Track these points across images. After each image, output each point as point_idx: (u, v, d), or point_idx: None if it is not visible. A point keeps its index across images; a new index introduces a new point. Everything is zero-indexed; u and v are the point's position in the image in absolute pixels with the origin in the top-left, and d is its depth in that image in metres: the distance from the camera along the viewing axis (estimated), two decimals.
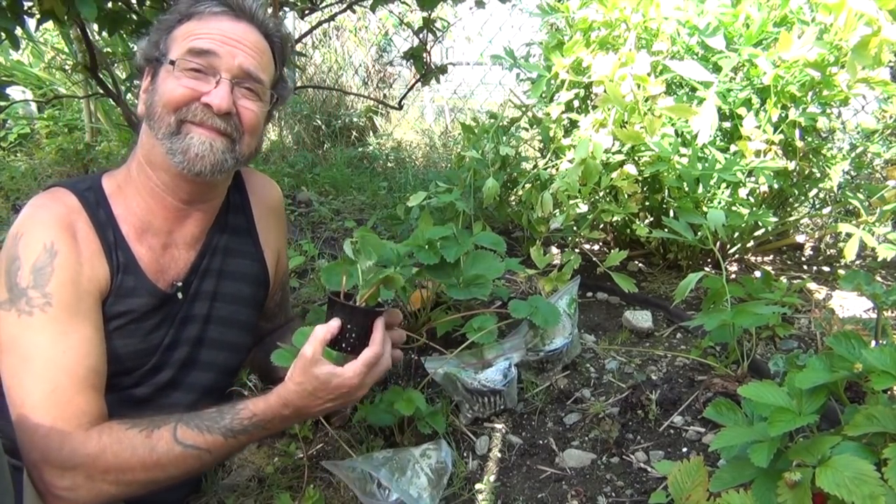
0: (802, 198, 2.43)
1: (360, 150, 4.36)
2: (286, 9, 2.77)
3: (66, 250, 1.13)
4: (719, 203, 1.98)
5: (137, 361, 1.20)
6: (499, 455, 1.51)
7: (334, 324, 1.14)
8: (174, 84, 1.14)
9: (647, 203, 2.25)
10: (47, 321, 1.08)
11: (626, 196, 2.06)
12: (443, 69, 3.03)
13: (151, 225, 1.24)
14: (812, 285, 2.28)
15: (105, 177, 1.26)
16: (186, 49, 1.14)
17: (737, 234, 2.32)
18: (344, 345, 1.16)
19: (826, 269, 2.48)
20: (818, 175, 2.26)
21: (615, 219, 2.23)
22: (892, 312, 1.94)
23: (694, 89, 2.06)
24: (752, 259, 2.54)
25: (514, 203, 2.44)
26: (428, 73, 2.95)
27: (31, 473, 1.05)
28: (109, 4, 2.11)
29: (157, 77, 1.18)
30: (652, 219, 2.37)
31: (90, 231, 1.17)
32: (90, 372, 1.10)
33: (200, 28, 1.16)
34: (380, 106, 4.67)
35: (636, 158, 2.06)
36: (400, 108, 3.55)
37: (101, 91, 2.69)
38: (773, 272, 2.29)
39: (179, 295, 1.27)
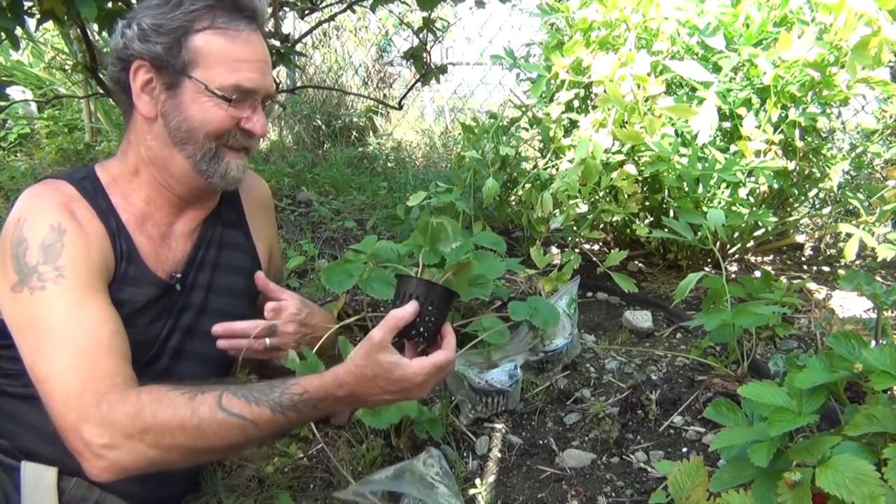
0: (802, 198, 2.43)
1: (360, 150, 4.36)
2: (286, 9, 2.77)
3: (74, 229, 1.12)
4: (719, 203, 1.98)
5: (137, 353, 1.16)
6: (499, 455, 1.51)
7: (410, 308, 1.06)
8: (220, 114, 1.16)
9: (647, 203, 2.25)
10: (61, 292, 1.06)
11: (626, 196, 2.06)
12: (443, 69, 3.03)
13: (152, 216, 1.24)
14: (812, 285, 2.28)
15: (98, 168, 1.25)
16: (234, 84, 1.15)
17: (737, 234, 2.32)
18: (420, 330, 1.05)
19: (826, 269, 2.48)
20: (818, 175, 2.26)
21: (615, 219, 2.23)
22: (892, 312, 1.94)
23: (694, 89, 2.06)
24: (752, 259, 2.54)
25: (514, 203, 2.44)
26: (428, 73, 2.95)
27: (69, 439, 1.01)
28: (109, 4, 2.10)
29: (177, 89, 1.16)
30: (652, 219, 2.37)
31: (92, 217, 1.16)
32: (114, 335, 1.08)
33: (238, 52, 1.16)
34: (380, 106, 4.67)
35: (636, 158, 2.06)
36: (400, 108, 3.55)
37: (101, 91, 2.69)
38: (773, 272, 2.29)
39: (178, 286, 1.27)
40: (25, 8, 2.00)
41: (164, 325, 1.25)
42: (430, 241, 1.27)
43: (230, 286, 1.34)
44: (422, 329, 1.05)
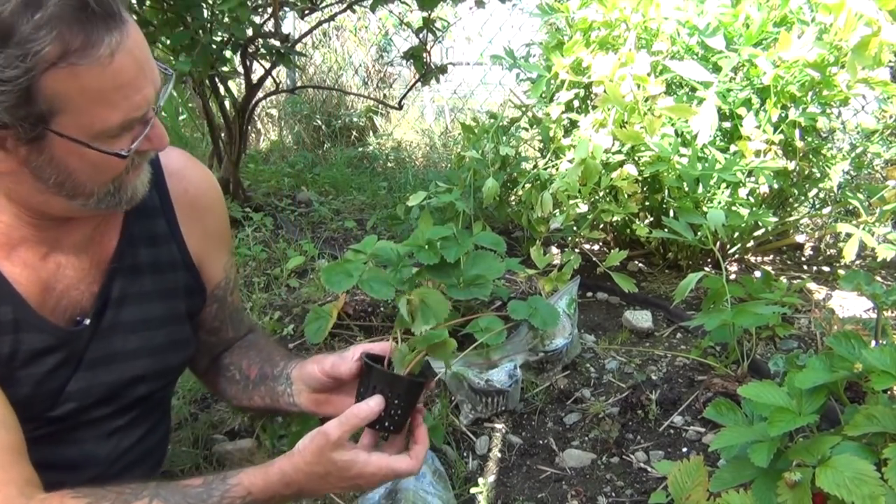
0: (802, 198, 2.43)
1: (360, 150, 4.36)
2: (286, 9, 2.77)
3: None
4: (719, 203, 1.98)
5: (30, 412, 0.92)
6: (499, 455, 1.51)
7: (374, 405, 0.94)
8: (113, 162, 0.84)
9: (647, 203, 2.25)
10: None
11: (626, 196, 2.06)
12: (443, 69, 3.03)
13: (24, 239, 0.91)
14: (812, 285, 2.28)
15: None
16: (121, 122, 0.81)
17: (737, 234, 2.32)
18: (385, 424, 0.96)
19: (826, 269, 2.48)
20: (818, 175, 2.26)
21: (615, 219, 2.23)
22: (892, 312, 1.94)
23: (694, 89, 2.06)
24: (752, 259, 2.54)
25: (514, 203, 2.44)
26: (428, 73, 2.95)
27: None
28: None
29: (42, 143, 0.79)
30: (652, 219, 2.37)
31: None
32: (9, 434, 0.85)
33: (113, 78, 0.78)
34: (380, 106, 4.67)
35: (636, 158, 2.06)
36: (400, 108, 3.55)
37: None
38: (773, 272, 2.29)
39: (85, 333, 0.96)
40: None
41: (64, 376, 0.96)
42: (405, 323, 1.17)
43: (156, 316, 1.05)
44: (387, 423, 0.97)
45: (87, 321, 0.96)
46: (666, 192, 2.11)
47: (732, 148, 2.05)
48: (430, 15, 2.78)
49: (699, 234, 1.75)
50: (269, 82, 3.31)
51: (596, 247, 2.61)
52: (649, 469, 1.44)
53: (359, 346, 1.04)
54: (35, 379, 0.92)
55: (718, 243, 2.12)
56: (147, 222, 1.03)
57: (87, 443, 1.00)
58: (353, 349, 1.04)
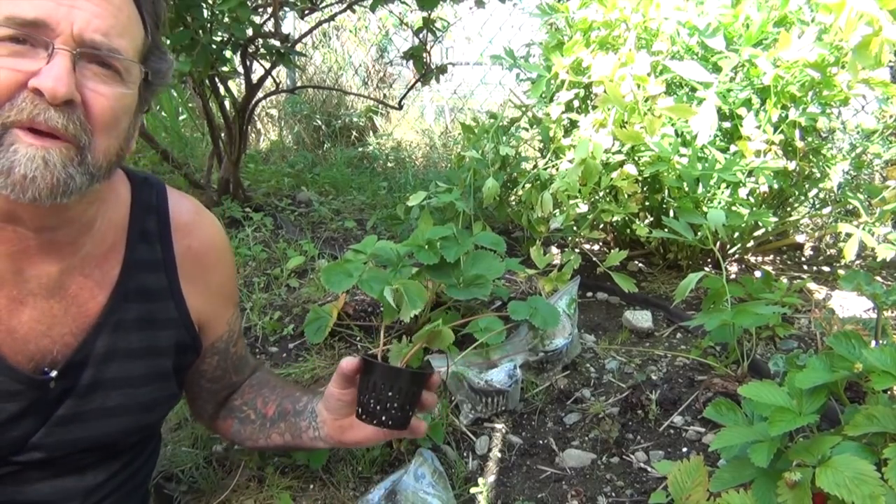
0: (802, 198, 2.44)
1: (360, 150, 4.36)
2: (286, 9, 2.77)
3: None
4: (719, 203, 1.98)
5: None
6: (499, 455, 1.51)
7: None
8: None
9: (647, 203, 2.25)
10: None
11: (626, 196, 2.06)
12: (443, 69, 3.03)
13: None
14: (812, 285, 2.28)
15: None
16: (4, 16, 0.73)
17: (737, 234, 2.32)
18: (384, 417, 0.95)
19: (826, 269, 2.48)
20: (818, 175, 2.26)
21: (615, 219, 2.23)
22: (892, 312, 1.94)
23: (694, 89, 2.06)
24: (752, 259, 2.54)
25: (514, 203, 2.44)
26: (428, 73, 2.95)
27: None
28: None
29: None
30: (652, 219, 2.37)
31: None
32: None
33: None
34: (380, 106, 4.67)
35: (636, 158, 2.06)
36: (400, 108, 3.55)
37: None
38: (773, 272, 2.29)
39: (52, 384, 0.89)
40: None
41: (28, 427, 0.89)
42: (392, 312, 1.13)
43: (141, 374, 0.98)
44: (384, 417, 0.96)
45: (54, 373, 0.88)
46: (666, 192, 2.11)
47: (732, 148, 2.05)
48: (430, 15, 2.78)
49: (699, 234, 1.75)
50: (269, 82, 3.31)
51: (596, 247, 2.61)
52: (649, 469, 1.44)
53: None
54: None
55: (718, 243, 2.12)
56: (145, 276, 0.97)
57: (60, 479, 0.95)
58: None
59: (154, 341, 0.99)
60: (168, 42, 2.40)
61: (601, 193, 2.14)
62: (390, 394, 0.95)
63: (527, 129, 2.62)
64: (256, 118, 4.64)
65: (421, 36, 2.88)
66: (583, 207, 2.17)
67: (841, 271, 2.37)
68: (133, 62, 0.83)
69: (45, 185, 0.76)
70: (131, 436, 1.01)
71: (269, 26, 2.71)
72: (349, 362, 0.99)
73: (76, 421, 0.92)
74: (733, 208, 1.96)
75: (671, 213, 2.14)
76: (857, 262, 2.51)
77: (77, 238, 0.90)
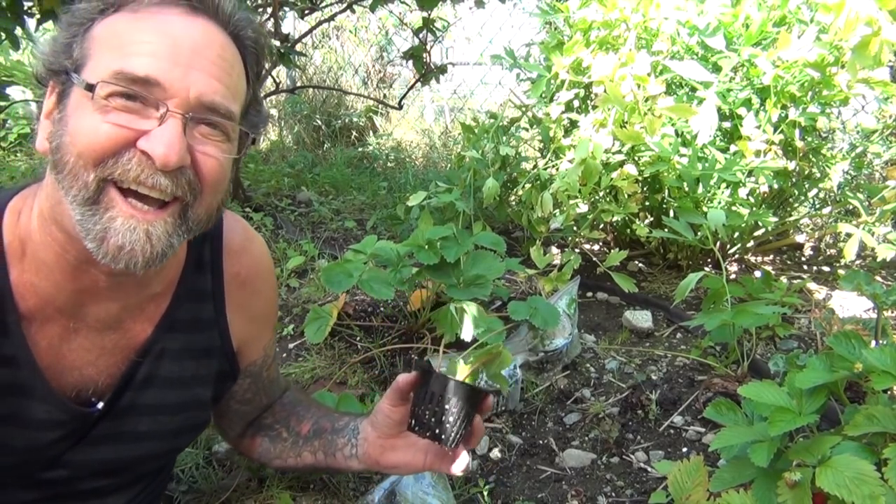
0: (802, 198, 2.44)
1: (360, 150, 4.36)
2: (286, 9, 2.77)
3: None
4: (719, 203, 1.98)
5: (20, 471, 0.87)
6: (499, 455, 1.51)
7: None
8: (95, 121, 0.71)
9: (647, 203, 2.25)
10: None
11: (626, 196, 2.06)
12: (443, 69, 3.03)
13: (54, 301, 0.82)
14: (812, 285, 2.28)
15: (11, 207, 0.82)
16: (114, 70, 0.71)
17: (737, 234, 2.32)
18: (438, 431, 0.93)
19: (826, 269, 2.48)
20: (818, 175, 2.26)
21: (615, 219, 2.23)
22: (892, 312, 1.94)
23: (694, 89, 2.06)
24: (752, 259, 2.54)
25: (514, 203, 2.44)
26: (428, 73, 2.95)
27: None
28: None
29: (66, 101, 0.74)
30: (652, 219, 2.37)
31: None
32: None
33: (136, 31, 0.73)
34: (380, 106, 4.67)
35: (636, 158, 2.06)
36: (400, 108, 3.55)
37: None
38: (773, 272, 2.29)
39: (96, 415, 0.89)
40: (25, 8, 2.00)
41: (63, 447, 0.89)
42: (455, 327, 1.10)
43: (177, 402, 0.97)
44: (438, 431, 0.93)
45: (101, 405, 0.88)
46: (666, 192, 2.11)
47: (732, 148, 2.05)
48: (429, 15, 2.78)
49: (699, 234, 1.75)
50: (269, 82, 3.31)
51: (596, 247, 2.61)
52: (649, 469, 1.44)
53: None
54: (33, 445, 0.85)
55: (718, 243, 2.12)
56: (194, 306, 0.95)
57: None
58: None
59: (195, 370, 0.98)
60: None
61: (601, 193, 2.14)
62: (447, 406, 0.92)
63: (527, 129, 2.62)
64: None
65: (421, 36, 2.88)
66: (583, 207, 2.17)
67: (841, 271, 2.37)
68: (237, 123, 0.81)
69: (142, 258, 0.74)
70: (158, 460, 1.01)
71: (269, 26, 2.71)
72: (406, 377, 0.96)
73: (107, 442, 0.91)
74: (733, 208, 1.96)
75: (671, 213, 2.14)
76: (857, 262, 2.51)
77: (146, 280, 0.88)
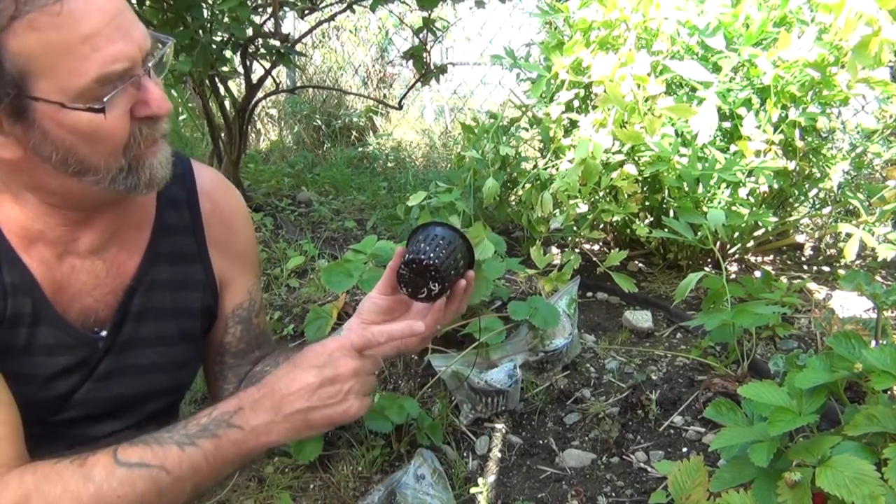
0: (802, 198, 2.44)
1: (360, 150, 4.36)
2: (286, 9, 2.77)
3: None
4: (719, 203, 1.98)
5: (33, 414, 0.90)
6: (499, 455, 1.51)
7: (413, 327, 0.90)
8: (107, 127, 0.80)
9: (647, 203, 2.25)
10: None
11: (626, 196, 2.06)
12: (443, 69, 3.03)
13: (42, 235, 0.90)
14: (812, 285, 2.28)
15: None
16: (96, 77, 0.76)
17: (737, 234, 2.32)
18: (432, 255, 0.88)
19: (826, 269, 2.48)
20: (818, 175, 2.26)
21: (615, 219, 2.23)
22: (892, 312, 1.94)
23: (694, 89, 2.06)
24: (752, 259, 2.54)
25: (514, 203, 2.44)
26: (428, 73, 2.95)
27: None
28: None
29: (27, 115, 0.78)
30: (652, 219, 2.37)
31: None
32: None
33: (75, 29, 0.75)
34: (380, 106, 4.67)
35: (636, 158, 2.06)
36: (400, 108, 3.55)
37: None
38: (773, 272, 2.29)
39: (101, 344, 0.96)
40: None
41: (73, 383, 0.95)
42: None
43: (172, 334, 1.04)
44: (432, 255, 0.88)
45: (104, 333, 0.95)
46: (666, 192, 2.11)
47: (732, 148, 2.05)
48: (430, 15, 2.78)
49: (699, 234, 1.75)
50: (269, 82, 3.31)
51: (596, 247, 2.61)
52: (649, 469, 1.44)
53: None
54: (44, 377, 0.91)
55: (718, 243, 2.12)
56: (175, 240, 1.02)
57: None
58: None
59: (183, 302, 1.04)
60: None
61: (601, 193, 2.14)
62: (444, 246, 0.89)
63: (527, 129, 2.62)
64: (256, 118, 4.64)
65: (421, 36, 2.88)
66: (583, 207, 2.17)
67: (841, 271, 2.37)
68: None
69: (167, 176, 0.88)
70: (167, 396, 1.07)
71: (269, 26, 2.71)
72: (401, 250, 0.95)
73: (114, 376, 0.97)
74: (733, 208, 1.96)
75: (671, 213, 2.14)
76: (857, 262, 2.51)
77: (125, 207, 0.97)
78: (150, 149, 0.85)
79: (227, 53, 2.62)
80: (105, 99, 0.77)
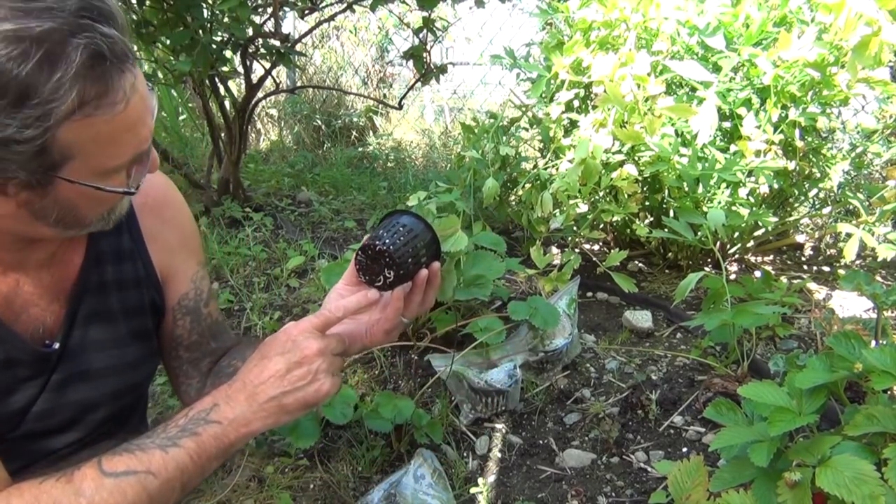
0: (802, 198, 2.43)
1: (360, 150, 4.36)
2: (286, 9, 2.77)
3: None
4: (719, 203, 1.98)
5: None
6: (499, 455, 1.51)
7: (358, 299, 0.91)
8: (114, 196, 0.84)
9: (647, 203, 2.25)
10: None
11: (626, 196, 2.06)
12: (443, 69, 3.03)
13: None
14: (812, 285, 2.28)
15: None
16: (130, 160, 0.81)
17: (737, 234, 2.32)
18: (388, 241, 0.88)
19: (826, 269, 2.48)
20: (818, 175, 2.26)
21: (615, 219, 2.23)
22: (892, 312, 1.94)
23: (694, 89, 2.06)
24: (752, 259, 2.54)
25: (514, 203, 2.44)
26: (428, 73, 2.95)
27: None
28: None
29: (46, 188, 0.78)
30: (652, 219, 2.37)
31: None
32: None
33: (122, 124, 0.78)
34: (380, 106, 4.67)
35: (636, 158, 2.06)
36: (400, 108, 3.55)
37: None
38: (773, 272, 2.29)
39: (54, 356, 0.95)
40: None
41: (30, 395, 0.94)
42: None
43: (122, 334, 1.03)
44: (388, 241, 0.88)
45: (57, 345, 0.94)
46: (666, 192, 2.11)
47: (732, 148, 2.05)
48: (430, 15, 2.78)
49: (699, 234, 1.74)
50: (269, 82, 3.31)
51: (596, 247, 2.61)
52: (649, 469, 1.44)
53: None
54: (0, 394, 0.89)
55: (718, 243, 2.12)
56: (113, 238, 1.01)
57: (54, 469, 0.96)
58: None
59: (130, 301, 1.04)
60: (168, 42, 2.40)
61: (601, 193, 2.14)
62: (403, 233, 0.89)
63: (527, 129, 2.62)
64: (256, 118, 4.64)
65: (421, 36, 2.88)
66: (583, 207, 2.17)
67: (841, 271, 2.37)
68: None
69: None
70: (120, 399, 1.05)
71: (269, 26, 2.71)
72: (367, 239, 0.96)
73: (69, 383, 0.97)
74: (733, 208, 1.96)
75: (671, 213, 2.14)
76: (857, 262, 2.51)
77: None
78: (127, 197, 0.87)
79: (227, 53, 2.62)
80: (136, 186, 0.84)
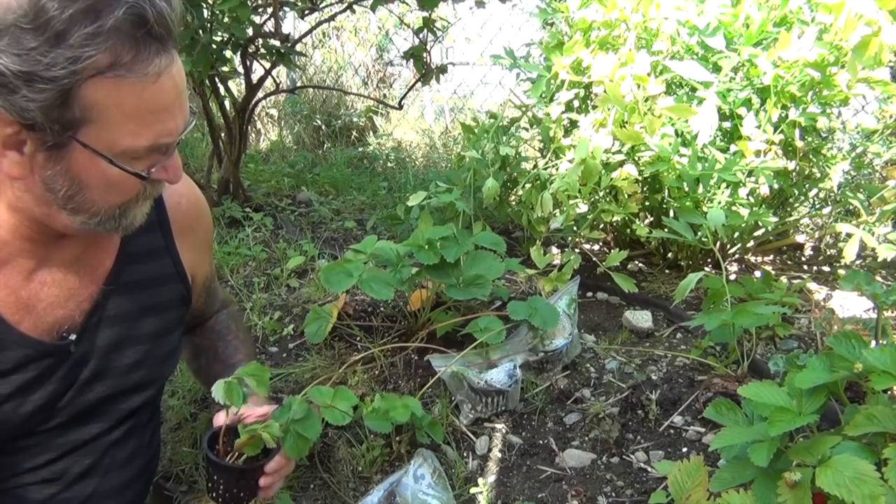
0: (802, 198, 2.43)
1: (360, 150, 4.36)
2: (286, 9, 2.77)
3: None
4: (719, 203, 1.98)
5: (22, 429, 0.94)
6: (499, 455, 1.51)
7: None
8: (130, 184, 0.84)
9: (647, 203, 2.25)
10: None
11: (626, 196, 2.06)
12: (443, 69, 3.03)
13: (10, 255, 0.90)
14: (812, 285, 2.27)
15: None
16: (150, 145, 0.81)
17: (737, 234, 2.32)
18: (215, 494, 1.06)
19: (826, 269, 2.48)
20: (818, 175, 2.26)
21: (615, 219, 2.23)
22: (892, 312, 1.94)
23: (694, 89, 2.06)
24: (752, 259, 2.54)
25: (514, 203, 2.44)
26: (428, 72, 2.95)
27: None
28: None
29: (62, 151, 0.78)
30: (652, 219, 2.37)
31: None
32: None
33: (153, 100, 0.79)
34: (380, 106, 4.67)
35: (636, 158, 2.06)
36: (400, 108, 3.55)
37: None
38: (773, 272, 2.29)
39: (72, 348, 0.96)
40: None
41: (51, 391, 0.95)
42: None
43: (151, 330, 1.05)
44: (238, 497, 1.06)
45: (73, 336, 0.95)
46: (666, 192, 2.11)
47: (732, 148, 2.05)
48: (430, 15, 2.78)
49: (699, 234, 1.75)
50: (269, 82, 3.31)
51: (596, 247, 2.61)
52: (649, 469, 1.44)
53: (220, 415, 1.07)
54: (17, 388, 0.91)
55: (718, 243, 2.12)
56: (144, 238, 1.02)
57: (84, 457, 1.03)
58: (217, 417, 1.08)
59: (159, 298, 1.07)
60: None
61: (601, 193, 2.14)
62: (233, 489, 1.05)
63: (527, 129, 2.62)
64: (256, 118, 4.64)
65: (421, 36, 2.88)
66: (583, 207, 2.17)
67: (841, 271, 2.37)
68: None
69: (139, 225, 0.92)
70: (146, 391, 1.09)
71: (269, 26, 2.71)
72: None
73: (98, 380, 0.99)
74: (733, 208, 1.96)
75: (671, 213, 2.14)
76: (857, 262, 2.51)
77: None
78: (142, 202, 0.89)
79: (227, 53, 2.62)
80: (153, 170, 0.84)
